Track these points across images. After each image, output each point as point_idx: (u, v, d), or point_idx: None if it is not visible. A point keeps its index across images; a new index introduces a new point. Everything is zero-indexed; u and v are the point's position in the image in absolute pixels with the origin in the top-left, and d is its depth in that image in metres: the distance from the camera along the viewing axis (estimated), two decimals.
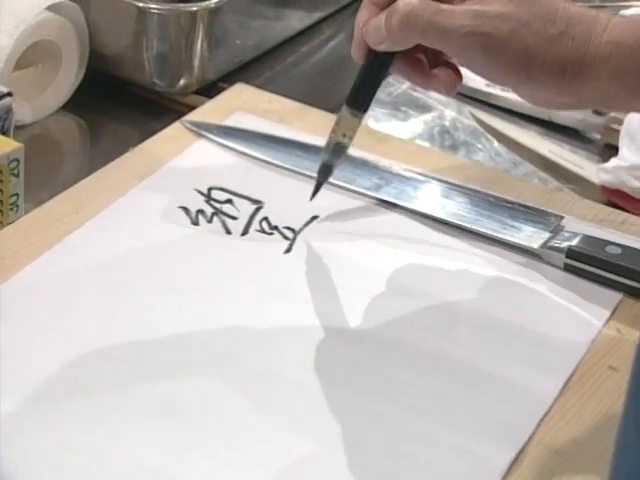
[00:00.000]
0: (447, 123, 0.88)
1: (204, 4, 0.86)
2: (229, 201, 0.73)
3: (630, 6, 0.91)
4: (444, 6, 0.62)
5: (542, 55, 0.61)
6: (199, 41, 0.86)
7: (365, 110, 0.67)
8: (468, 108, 0.89)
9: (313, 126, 0.80)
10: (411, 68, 0.65)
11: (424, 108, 0.89)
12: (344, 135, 0.68)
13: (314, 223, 0.72)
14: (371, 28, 0.64)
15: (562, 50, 0.61)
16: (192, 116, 0.80)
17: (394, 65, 0.65)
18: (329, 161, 0.69)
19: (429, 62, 0.65)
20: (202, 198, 0.73)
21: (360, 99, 0.67)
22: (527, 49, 0.61)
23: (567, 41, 0.61)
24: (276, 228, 0.71)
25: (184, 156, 0.77)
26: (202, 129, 0.79)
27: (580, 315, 0.66)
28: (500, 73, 0.63)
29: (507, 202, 0.73)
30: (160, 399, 0.59)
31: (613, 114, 0.84)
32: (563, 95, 0.63)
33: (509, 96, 0.87)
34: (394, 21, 0.63)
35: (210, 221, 0.71)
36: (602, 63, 0.60)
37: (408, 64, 0.65)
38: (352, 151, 0.77)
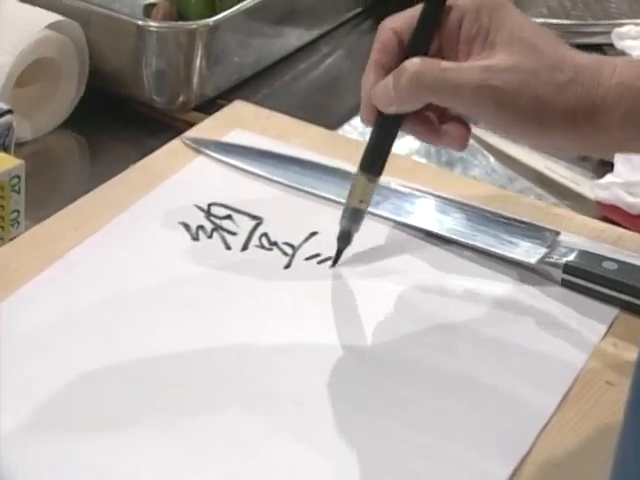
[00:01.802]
0: None
1: (203, 22, 0.87)
2: (229, 217, 0.73)
3: (623, 24, 0.92)
4: (451, 63, 0.63)
5: (552, 104, 0.61)
6: (198, 58, 0.87)
7: (379, 174, 0.67)
8: None
9: (311, 142, 0.80)
10: (421, 127, 0.65)
11: None
12: (361, 201, 0.68)
13: (313, 239, 0.72)
14: (379, 91, 0.64)
15: (572, 97, 0.61)
16: (191, 133, 0.81)
17: (404, 125, 0.65)
18: (348, 227, 0.69)
19: (438, 119, 0.65)
20: (202, 214, 0.73)
21: (374, 163, 0.67)
22: (537, 99, 0.61)
23: (576, 87, 0.61)
24: (275, 244, 0.72)
25: (184, 173, 0.77)
26: (201, 146, 0.79)
27: (577, 330, 0.67)
28: (512, 125, 0.63)
29: (503, 217, 0.74)
30: (159, 415, 0.59)
31: None
32: (575, 141, 0.63)
33: None
34: (403, 82, 0.62)
35: (210, 237, 0.72)
36: (613, 105, 0.60)
37: (418, 123, 0.65)
38: (349, 167, 0.78)
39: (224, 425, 0.58)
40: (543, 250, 0.71)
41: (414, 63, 0.63)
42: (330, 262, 0.70)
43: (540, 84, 0.61)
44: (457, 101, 0.63)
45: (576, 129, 0.61)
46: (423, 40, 0.64)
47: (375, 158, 0.67)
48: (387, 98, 0.64)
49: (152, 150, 0.79)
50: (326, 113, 0.91)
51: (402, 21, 0.65)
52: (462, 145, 0.66)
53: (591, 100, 0.61)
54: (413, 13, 0.65)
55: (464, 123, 0.66)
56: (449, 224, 0.73)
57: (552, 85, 0.61)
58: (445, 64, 0.63)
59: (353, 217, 0.68)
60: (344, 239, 0.69)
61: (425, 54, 0.64)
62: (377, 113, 0.65)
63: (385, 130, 0.66)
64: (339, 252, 0.69)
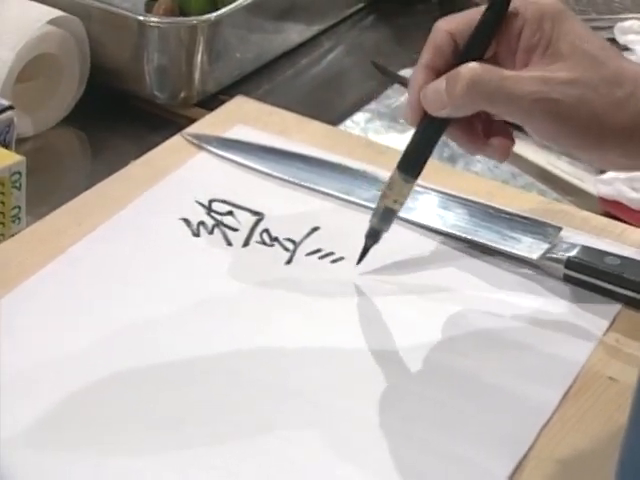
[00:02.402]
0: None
1: (204, 17, 0.87)
2: (230, 213, 0.73)
3: (627, 18, 0.92)
4: (510, 72, 0.61)
5: (611, 119, 0.60)
6: (199, 54, 0.87)
7: (417, 176, 0.66)
8: None
9: (313, 138, 0.80)
10: (465, 134, 0.64)
11: None
12: (395, 201, 0.66)
13: (315, 235, 0.72)
14: (430, 93, 0.62)
15: (631, 112, 0.60)
16: (193, 129, 0.81)
17: (447, 130, 0.64)
18: (378, 226, 0.67)
19: (483, 127, 0.64)
20: (203, 210, 0.73)
21: (413, 165, 0.66)
22: (595, 114, 0.60)
23: (636, 102, 0.60)
24: (277, 239, 0.71)
25: (185, 168, 0.77)
26: (203, 142, 0.79)
27: (579, 325, 0.66)
28: (568, 139, 0.61)
29: (506, 213, 0.74)
30: (161, 414, 0.59)
31: None
32: (631, 158, 0.62)
33: None
34: (459, 87, 0.61)
35: (211, 233, 0.72)
36: None
37: (463, 130, 0.64)
38: (351, 163, 0.78)
39: (226, 422, 0.58)
40: (545, 246, 0.71)
41: (471, 68, 0.61)
42: (331, 257, 0.70)
43: (599, 99, 0.60)
44: (513, 111, 0.61)
45: (633, 146, 0.61)
46: (481, 45, 0.63)
47: (415, 160, 0.66)
48: (439, 102, 0.62)
49: (153, 146, 0.79)
50: (328, 109, 0.91)
51: (458, 23, 0.63)
52: (505, 157, 0.65)
53: None
54: (471, 16, 0.63)
55: (508, 134, 0.64)
56: (451, 220, 0.73)
57: (611, 100, 0.60)
58: (503, 73, 0.61)
59: (385, 217, 0.67)
60: (373, 237, 0.68)
61: (480, 60, 0.62)
62: (423, 115, 0.64)
63: (428, 133, 0.64)
64: (366, 250, 0.68)
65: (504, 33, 0.62)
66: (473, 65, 0.61)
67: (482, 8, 0.63)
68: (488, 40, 0.63)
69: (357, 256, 0.70)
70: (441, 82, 0.62)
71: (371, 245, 0.68)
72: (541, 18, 0.62)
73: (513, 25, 0.62)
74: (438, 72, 0.63)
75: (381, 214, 0.67)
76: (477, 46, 0.63)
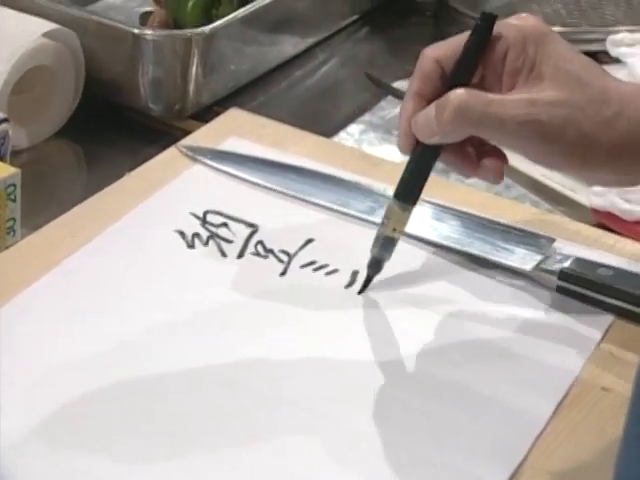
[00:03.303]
0: None
1: (199, 30, 0.87)
2: (224, 225, 0.74)
3: (618, 31, 0.92)
4: (496, 96, 0.61)
5: (599, 139, 0.60)
6: (194, 66, 0.87)
7: (414, 203, 0.66)
8: None
9: (307, 150, 0.81)
10: (459, 159, 0.65)
11: None
12: (394, 229, 0.67)
13: (309, 246, 0.72)
14: (420, 121, 0.63)
15: (618, 132, 0.60)
16: (187, 141, 0.81)
17: (441, 156, 0.64)
18: (380, 256, 0.68)
19: (476, 151, 0.64)
20: (198, 222, 0.74)
21: (409, 192, 0.66)
22: (583, 134, 0.60)
23: (622, 122, 0.60)
24: (271, 251, 0.72)
25: (180, 180, 0.77)
26: (197, 154, 0.79)
27: (572, 336, 0.67)
28: (557, 159, 0.62)
29: (499, 225, 0.74)
30: (156, 423, 0.59)
31: None
32: (620, 175, 0.62)
33: None
34: (447, 114, 0.61)
35: (206, 244, 0.72)
36: None
37: (456, 155, 0.64)
38: (345, 175, 0.78)
39: (220, 431, 0.58)
40: (538, 257, 0.71)
41: (458, 95, 0.61)
42: (325, 269, 0.70)
43: (586, 119, 0.60)
44: (501, 135, 0.62)
45: (621, 164, 0.61)
46: (467, 71, 0.63)
47: (411, 187, 0.66)
48: (429, 129, 0.63)
49: (148, 158, 0.80)
50: (322, 120, 0.92)
51: (445, 50, 0.64)
52: (499, 179, 0.65)
53: (637, 135, 0.60)
54: (456, 42, 0.64)
55: (501, 155, 0.65)
56: (445, 231, 0.73)
57: (598, 120, 0.60)
58: (490, 97, 0.61)
59: (385, 246, 0.67)
60: (375, 267, 0.68)
61: (468, 85, 0.63)
62: (415, 142, 0.64)
63: (423, 160, 0.65)
64: (368, 280, 0.68)
65: (489, 57, 0.63)
66: (460, 91, 0.62)
67: (467, 34, 0.63)
68: (474, 65, 0.63)
69: (351, 268, 0.70)
70: (430, 110, 0.62)
71: (374, 275, 0.68)
72: (524, 41, 0.62)
73: (497, 49, 0.63)
74: (427, 99, 0.63)
75: (381, 243, 0.67)
76: (463, 72, 0.63)
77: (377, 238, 0.68)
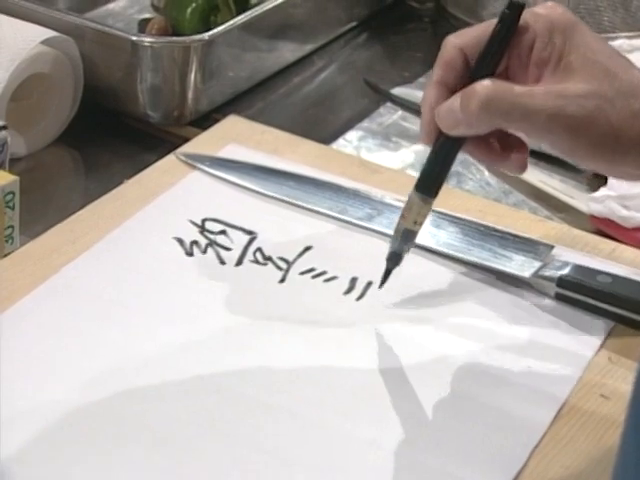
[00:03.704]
0: None
1: (197, 37, 0.87)
2: (223, 232, 0.74)
3: (616, 37, 0.92)
4: (525, 88, 0.60)
5: (627, 131, 0.59)
6: (192, 73, 0.87)
7: (436, 195, 0.65)
8: None
9: (305, 157, 0.81)
10: (482, 150, 0.63)
11: (415, 138, 0.89)
12: (415, 222, 0.65)
13: (308, 254, 0.72)
14: (444, 112, 0.61)
15: None
16: (186, 148, 0.81)
17: (464, 147, 0.63)
18: (399, 249, 0.66)
19: (499, 141, 0.63)
20: (196, 229, 0.74)
21: (431, 184, 0.64)
22: (612, 126, 0.59)
23: None
24: (270, 259, 0.72)
25: (178, 188, 0.77)
26: (196, 161, 0.79)
27: (571, 344, 0.67)
28: (585, 152, 0.61)
29: (498, 231, 0.74)
30: (154, 430, 0.59)
31: None
32: None
33: None
34: (473, 105, 0.60)
35: (204, 252, 0.72)
36: None
37: (479, 146, 0.63)
38: (344, 182, 0.78)
39: (217, 439, 0.58)
40: (537, 264, 0.71)
41: (485, 86, 0.60)
42: (324, 276, 0.70)
43: (615, 111, 0.59)
44: (529, 127, 0.61)
45: None
46: (492, 61, 0.62)
47: (432, 179, 0.64)
48: (454, 120, 0.61)
49: (147, 165, 0.80)
50: (320, 127, 0.92)
51: (469, 38, 0.62)
52: (523, 170, 0.64)
53: None
54: (481, 30, 0.62)
55: (524, 146, 0.64)
56: (443, 238, 0.73)
57: (627, 112, 0.59)
58: (518, 89, 0.60)
59: (405, 238, 0.66)
60: (395, 260, 0.67)
61: (492, 75, 0.61)
62: (438, 133, 0.63)
63: (445, 151, 0.63)
64: (387, 273, 0.67)
65: (515, 47, 0.62)
66: (487, 82, 0.60)
67: (492, 22, 0.62)
68: (500, 55, 0.62)
69: (349, 275, 0.70)
70: (455, 100, 0.61)
71: (393, 268, 0.67)
72: (552, 31, 0.61)
73: (524, 39, 0.62)
74: (450, 88, 0.62)
75: (401, 236, 0.66)
76: (489, 61, 0.62)
77: (397, 231, 0.66)
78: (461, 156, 0.84)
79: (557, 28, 0.61)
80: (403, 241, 0.66)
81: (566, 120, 0.59)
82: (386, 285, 0.68)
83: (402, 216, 0.66)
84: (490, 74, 0.61)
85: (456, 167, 0.86)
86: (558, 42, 0.61)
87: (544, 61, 0.61)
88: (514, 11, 0.61)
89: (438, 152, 0.64)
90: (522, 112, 0.60)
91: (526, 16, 0.62)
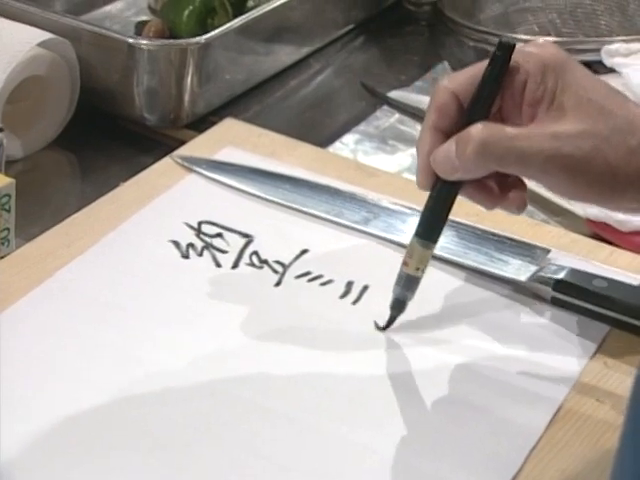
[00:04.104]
0: None
1: (194, 40, 0.87)
2: (219, 235, 0.74)
3: (613, 41, 0.92)
4: (519, 130, 0.60)
5: (625, 169, 0.59)
6: (189, 76, 0.87)
7: (437, 240, 0.65)
8: None
9: (302, 160, 0.81)
10: (480, 192, 0.63)
11: (412, 142, 0.89)
12: (417, 268, 0.65)
13: (304, 257, 0.72)
14: (441, 158, 0.61)
15: None
16: (182, 151, 0.81)
17: (462, 190, 0.63)
18: (402, 296, 0.66)
19: (497, 183, 0.63)
20: (192, 232, 0.74)
21: (431, 230, 0.64)
22: (609, 165, 0.59)
23: None
24: (266, 262, 0.72)
25: (174, 190, 0.77)
26: (192, 164, 0.79)
27: (567, 348, 0.67)
28: (583, 192, 0.61)
29: (494, 235, 0.74)
30: (151, 434, 0.59)
31: None
32: None
33: None
34: (469, 150, 0.60)
35: (200, 255, 0.72)
36: None
37: (477, 188, 0.63)
38: (340, 185, 0.78)
39: (214, 443, 0.58)
40: (533, 268, 0.71)
41: (480, 130, 0.60)
42: (320, 280, 0.70)
43: (612, 149, 0.59)
44: (526, 170, 0.60)
45: None
46: (486, 103, 0.62)
47: (433, 225, 0.64)
48: (450, 166, 0.61)
49: (143, 168, 0.80)
50: (317, 130, 0.92)
51: (461, 82, 0.62)
52: (522, 209, 0.64)
53: None
54: (472, 72, 0.62)
55: (523, 185, 0.63)
56: (440, 242, 0.73)
57: (624, 149, 0.59)
58: (513, 132, 0.60)
59: (408, 285, 0.65)
60: (398, 307, 0.66)
61: (487, 117, 0.61)
62: (435, 178, 0.62)
63: (443, 196, 0.63)
64: (391, 321, 0.67)
65: (508, 88, 0.61)
66: (482, 126, 0.60)
67: (484, 64, 0.62)
68: (492, 97, 0.62)
69: (345, 279, 0.70)
70: (450, 145, 0.61)
71: (397, 315, 0.66)
72: (544, 71, 0.61)
73: (516, 79, 0.61)
74: (445, 133, 0.62)
75: (404, 282, 0.65)
76: (482, 104, 0.62)
77: (399, 277, 0.65)
78: None
79: (549, 67, 0.61)
80: (405, 288, 0.66)
81: (562, 161, 0.59)
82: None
83: (404, 263, 0.65)
84: (484, 117, 0.61)
85: None
86: (550, 82, 0.60)
87: (537, 101, 0.61)
88: (504, 52, 0.61)
89: (437, 197, 0.64)
90: (518, 156, 0.60)
91: (517, 56, 0.62)
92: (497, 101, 0.62)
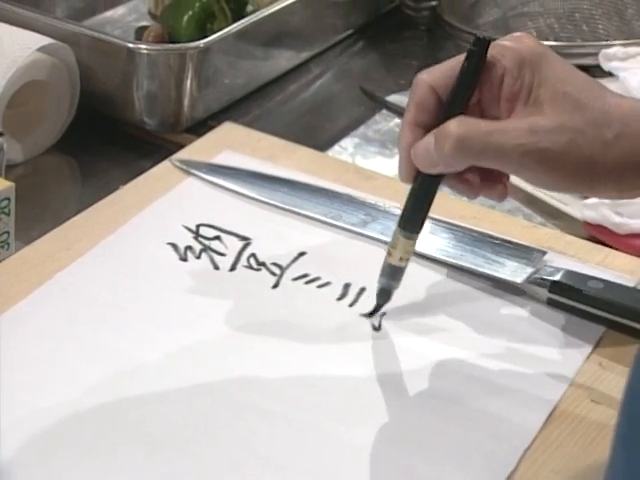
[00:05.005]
0: None
1: (193, 44, 0.88)
2: (217, 238, 0.74)
3: (611, 45, 0.92)
4: (496, 125, 0.60)
5: (602, 162, 0.59)
6: (188, 80, 0.87)
7: (419, 231, 0.65)
8: None
9: (300, 164, 0.81)
10: (462, 183, 0.63)
11: None
12: (401, 258, 0.66)
13: (301, 259, 0.73)
14: (420, 152, 0.62)
15: (620, 153, 0.59)
16: (181, 154, 0.81)
17: (444, 181, 0.64)
18: (388, 285, 0.67)
19: (479, 172, 0.63)
20: (190, 235, 0.74)
21: (413, 221, 0.65)
22: (586, 157, 0.59)
23: (625, 143, 0.59)
24: (263, 264, 0.72)
25: (173, 194, 0.78)
26: (191, 167, 0.80)
27: (563, 349, 0.67)
28: (560, 183, 0.61)
29: (491, 237, 0.74)
30: (149, 434, 0.59)
31: None
32: (623, 192, 0.62)
33: None
34: (447, 145, 0.60)
35: (198, 257, 0.72)
36: None
37: (459, 180, 0.63)
38: (338, 188, 0.79)
39: (211, 443, 0.59)
40: (529, 270, 0.71)
41: (457, 125, 0.60)
42: (317, 282, 0.71)
43: (587, 142, 0.59)
44: (504, 164, 0.61)
45: (625, 183, 0.60)
46: (463, 98, 0.62)
47: (415, 216, 0.65)
48: (429, 161, 0.62)
49: (142, 171, 0.80)
50: (316, 134, 0.92)
51: (438, 75, 0.63)
52: (503, 197, 0.65)
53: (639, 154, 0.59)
54: (450, 66, 0.63)
55: (504, 174, 0.64)
56: (437, 244, 0.74)
57: (600, 142, 0.59)
58: (490, 127, 0.60)
59: (392, 275, 0.66)
60: (384, 297, 0.67)
61: (465, 111, 0.62)
62: (416, 171, 0.63)
63: (425, 188, 0.64)
64: (377, 309, 0.68)
65: (485, 82, 0.62)
66: (458, 121, 0.61)
67: (461, 57, 0.62)
68: (470, 91, 0.62)
69: (342, 281, 0.71)
70: (429, 140, 0.61)
71: (383, 304, 0.68)
72: (521, 66, 0.61)
73: (493, 74, 0.62)
74: (425, 127, 0.62)
75: (388, 273, 0.67)
76: (460, 99, 0.62)
77: (384, 268, 0.67)
78: None
79: (525, 61, 0.61)
80: (390, 277, 0.67)
81: (539, 155, 0.60)
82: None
83: (388, 253, 0.66)
84: (462, 111, 0.62)
85: None
86: (527, 76, 0.61)
87: (514, 95, 0.61)
88: (481, 47, 0.62)
89: (418, 190, 0.65)
90: (495, 151, 0.60)
91: (494, 50, 0.62)
92: (475, 95, 0.62)
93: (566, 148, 0.59)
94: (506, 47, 0.62)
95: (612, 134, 0.59)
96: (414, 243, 0.66)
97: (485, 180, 0.64)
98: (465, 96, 0.62)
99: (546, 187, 0.64)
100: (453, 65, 0.63)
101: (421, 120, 0.63)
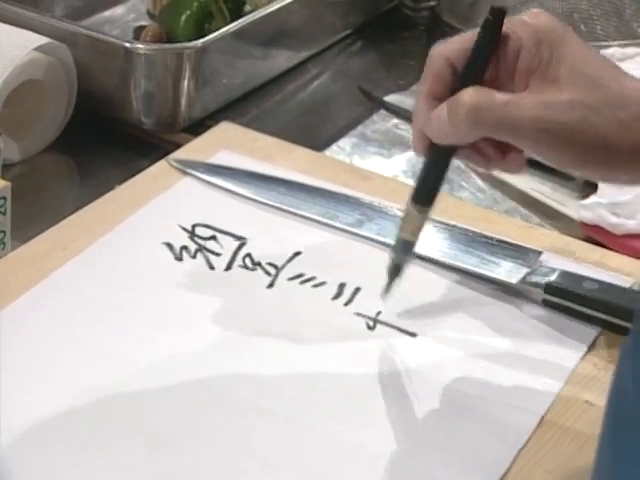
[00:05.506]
0: None
1: (191, 44, 0.88)
2: (213, 237, 0.74)
3: (609, 46, 0.92)
4: (511, 97, 0.60)
5: (617, 142, 0.59)
6: (186, 80, 0.87)
7: (431, 204, 0.64)
8: None
9: (297, 164, 0.81)
10: (476, 155, 0.63)
11: (407, 146, 0.89)
12: (412, 232, 0.65)
13: (297, 259, 0.73)
14: (434, 123, 0.61)
15: (636, 135, 0.59)
16: (178, 154, 0.82)
17: (458, 154, 0.63)
18: (399, 260, 0.66)
19: (494, 144, 0.62)
20: (186, 234, 0.74)
21: (426, 194, 0.64)
22: (600, 137, 0.58)
23: None
24: (259, 264, 0.72)
25: (170, 193, 0.78)
26: (188, 167, 0.80)
27: (557, 349, 0.67)
28: (575, 162, 0.60)
29: (486, 238, 0.74)
30: (147, 432, 0.59)
31: None
32: (635, 176, 0.61)
33: None
34: (460, 116, 0.59)
35: (194, 257, 0.72)
36: None
37: (473, 152, 0.63)
38: (335, 188, 0.79)
39: (210, 442, 0.59)
40: (525, 270, 0.71)
41: (471, 95, 0.59)
42: (312, 282, 0.71)
43: (602, 121, 0.58)
44: (517, 137, 0.60)
45: (638, 165, 0.59)
46: (478, 69, 0.61)
47: (427, 189, 0.64)
48: (442, 131, 0.61)
49: (139, 171, 0.80)
50: (314, 134, 0.92)
51: (454, 47, 0.62)
52: (521, 169, 0.63)
53: None
54: (466, 38, 0.62)
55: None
56: (432, 244, 0.74)
57: (614, 122, 0.59)
58: (504, 98, 0.59)
59: (404, 249, 0.66)
60: (395, 272, 0.66)
61: (480, 83, 0.61)
62: (429, 143, 0.62)
63: (438, 160, 0.63)
64: (390, 284, 0.67)
65: (501, 55, 0.61)
66: (472, 92, 0.60)
67: (477, 30, 0.62)
68: (485, 63, 0.61)
69: (337, 280, 0.70)
70: (442, 111, 0.61)
71: (393, 279, 0.67)
72: (539, 43, 0.60)
73: (510, 47, 0.61)
74: (440, 98, 0.62)
75: (400, 247, 0.66)
76: (475, 70, 0.61)
77: (395, 243, 0.66)
78: (454, 164, 0.85)
79: (544, 39, 0.60)
80: (402, 252, 0.66)
81: (554, 129, 0.59)
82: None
83: (400, 228, 0.65)
84: (477, 82, 0.61)
85: (449, 174, 0.86)
86: (545, 54, 0.60)
87: (531, 71, 0.60)
88: (496, 17, 0.61)
89: (431, 162, 0.64)
90: (509, 123, 0.59)
91: (512, 25, 0.61)
92: (491, 67, 0.61)
93: (581, 124, 0.59)
94: (525, 22, 0.61)
95: (629, 115, 0.59)
96: (426, 217, 0.65)
97: (500, 152, 0.63)
98: (481, 67, 0.61)
99: (560, 165, 0.63)
100: (469, 38, 0.62)
101: (436, 91, 0.62)
